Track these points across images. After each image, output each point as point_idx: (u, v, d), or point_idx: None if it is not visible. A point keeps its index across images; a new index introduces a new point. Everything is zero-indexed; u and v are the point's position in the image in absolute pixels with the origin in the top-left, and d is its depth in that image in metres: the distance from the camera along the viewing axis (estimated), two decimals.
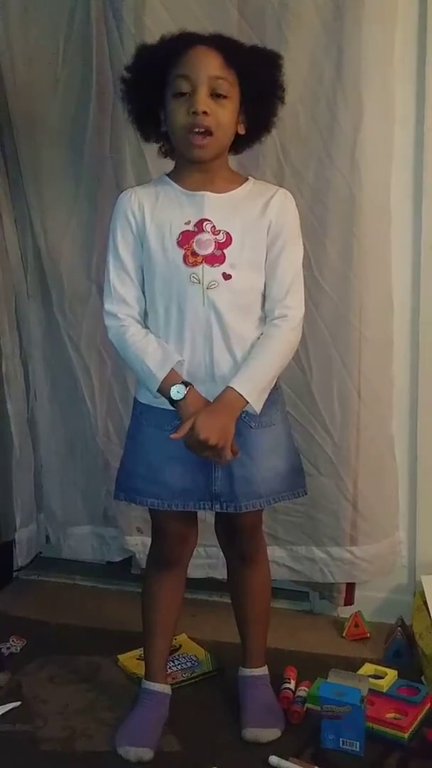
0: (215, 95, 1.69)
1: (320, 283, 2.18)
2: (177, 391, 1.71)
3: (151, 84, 1.74)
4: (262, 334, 1.78)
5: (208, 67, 1.69)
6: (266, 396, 1.77)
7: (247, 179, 1.83)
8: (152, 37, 2.08)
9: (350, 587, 2.37)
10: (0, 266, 2.45)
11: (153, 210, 1.77)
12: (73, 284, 2.42)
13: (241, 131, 1.78)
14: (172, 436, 1.69)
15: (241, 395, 1.72)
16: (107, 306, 1.81)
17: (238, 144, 1.82)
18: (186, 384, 1.72)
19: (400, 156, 2.17)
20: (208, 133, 1.69)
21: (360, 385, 2.23)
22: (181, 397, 1.71)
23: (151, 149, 2.14)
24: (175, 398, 1.71)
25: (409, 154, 2.17)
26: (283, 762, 1.79)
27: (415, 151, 2.17)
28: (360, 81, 2.08)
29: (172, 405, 1.73)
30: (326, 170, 2.15)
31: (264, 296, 1.80)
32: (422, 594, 2.18)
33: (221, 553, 2.05)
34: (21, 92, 2.35)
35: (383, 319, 2.23)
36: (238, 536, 1.92)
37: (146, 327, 1.80)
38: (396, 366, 2.26)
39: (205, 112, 1.68)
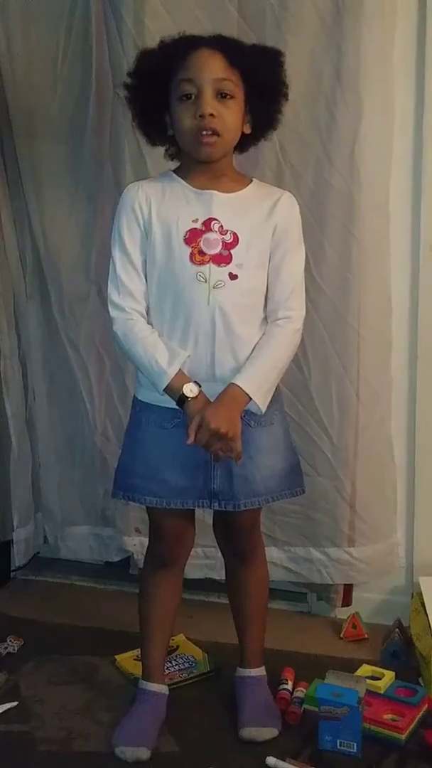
0: (220, 95, 1.70)
1: (319, 284, 2.18)
2: (190, 390, 1.72)
3: (155, 89, 1.74)
4: (264, 334, 1.79)
5: (213, 69, 1.69)
6: (270, 396, 1.78)
7: (251, 180, 1.83)
8: (152, 38, 2.09)
9: (348, 588, 2.37)
10: None
11: (160, 205, 1.77)
12: (72, 284, 2.42)
13: (247, 130, 1.79)
14: (188, 442, 1.69)
15: (246, 392, 1.73)
16: (114, 297, 1.79)
17: (244, 142, 1.82)
18: (197, 383, 1.73)
19: (399, 156, 2.17)
20: (215, 134, 1.70)
21: (358, 386, 2.23)
22: (195, 395, 1.72)
23: (151, 149, 2.14)
24: (188, 396, 1.71)
25: (408, 155, 2.18)
26: (280, 763, 1.78)
27: (414, 151, 2.17)
28: (359, 81, 2.09)
29: (178, 404, 1.73)
30: (325, 170, 2.15)
31: (266, 298, 1.80)
32: (420, 595, 2.18)
33: (219, 554, 2.05)
34: (20, 92, 2.35)
35: (382, 320, 2.23)
36: (237, 535, 1.92)
37: (150, 323, 1.80)
38: (394, 367, 2.26)
39: (211, 115, 1.68)
